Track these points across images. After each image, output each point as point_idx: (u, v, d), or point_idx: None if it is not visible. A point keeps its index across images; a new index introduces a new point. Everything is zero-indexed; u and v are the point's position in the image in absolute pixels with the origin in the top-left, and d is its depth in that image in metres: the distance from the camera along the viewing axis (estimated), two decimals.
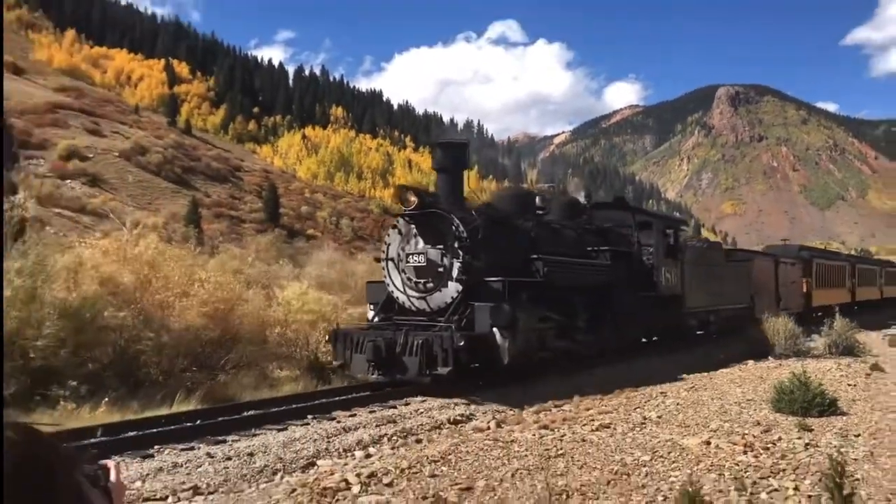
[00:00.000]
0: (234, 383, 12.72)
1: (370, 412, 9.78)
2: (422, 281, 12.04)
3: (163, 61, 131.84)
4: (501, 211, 13.51)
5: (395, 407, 10.20)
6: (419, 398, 10.84)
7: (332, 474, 6.79)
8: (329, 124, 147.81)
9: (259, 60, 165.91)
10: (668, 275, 17.43)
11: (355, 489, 6.22)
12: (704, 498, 4.89)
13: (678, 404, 10.59)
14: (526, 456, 7.28)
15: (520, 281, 12.04)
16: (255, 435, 8.43)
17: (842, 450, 7.29)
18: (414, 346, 10.96)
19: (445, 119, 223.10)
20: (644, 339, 18.19)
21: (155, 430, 8.34)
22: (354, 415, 9.59)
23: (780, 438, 8.04)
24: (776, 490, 6.02)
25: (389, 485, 6.34)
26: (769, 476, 6.43)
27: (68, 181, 62.71)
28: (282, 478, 7.06)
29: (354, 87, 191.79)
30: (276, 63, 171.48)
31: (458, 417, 9.94)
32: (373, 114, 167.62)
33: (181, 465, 7.08)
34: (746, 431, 8.45)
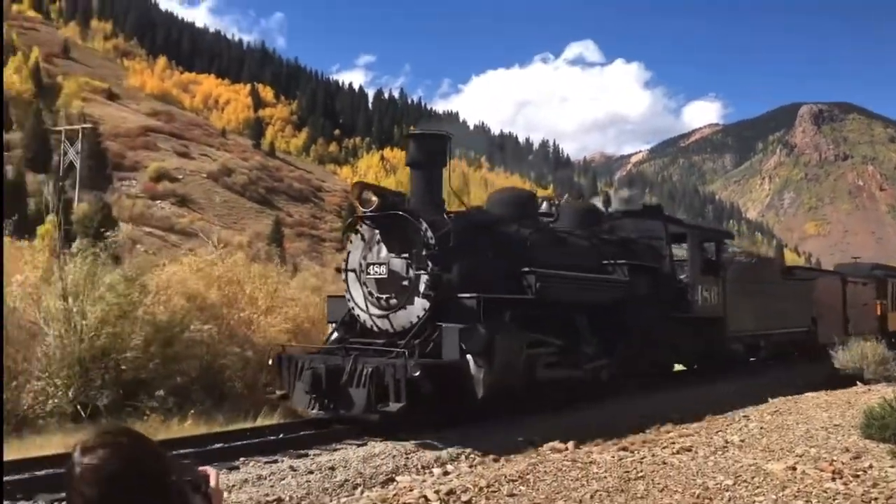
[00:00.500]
0: None
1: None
2: (384, 296, 10.06)
3: (248, 86, 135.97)
4: (488, 215, 11.67)
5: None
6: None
7: (410, 490, 6.82)
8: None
9: (340, 84, 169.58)
10: (706, 293, 15.28)
11: None
12: None
13: (762, 428, 10.27)
14: (605, 478, 7.17)
15: (501, 298, 9.97)
16: (335, 449, 8.53)
17: None
18: (362, 376, 9.04)
19: (521, 139, 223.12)
20: (681, 366, 16.46)
21: (240, 443, 8.54)
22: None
23: (870, 466, 7.71)
24: None
25: (468, 502, 6.33)
26: None
27: (158, 201, 65.12)
28: (362, 492, 7.13)
29: (431, 108, 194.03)
30: (356, 86, 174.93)
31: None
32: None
33: (265, 478, 7.22)
34: (835, 458, 8.14)
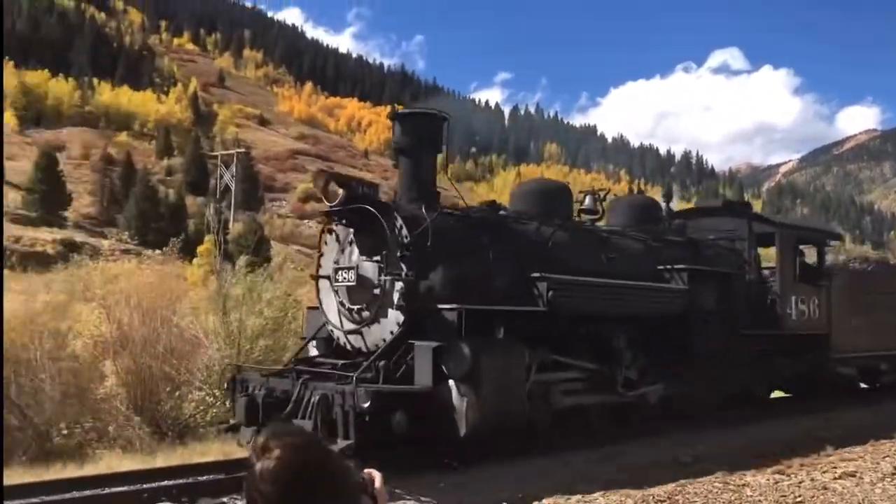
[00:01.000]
0: None
1: None
2: (356, 307, 8.27)
3: (389, 108, 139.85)
4: (492, 210, 9.60)
5: None
6: None
7: None
8: (542, 161, 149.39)
9: (476, 102, 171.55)
10: (803, 306, 12.71)
11: None
12: None
13: None
14: (760, 502, 6.84)
15: (495, 310, 8.01)
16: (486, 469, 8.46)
17: None
18: (309, 405, 7.37)
19: (662, 150, 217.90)
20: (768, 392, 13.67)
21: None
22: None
23: None
24: None
25: None
26: None
27: (306, 221, 67.89)
28: None
29: (568, 122, 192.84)
30: (492, 104, 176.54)
31: None
32: (587, 149, 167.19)
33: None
34: None
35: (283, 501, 1.41)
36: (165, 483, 7.54)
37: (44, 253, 43.11)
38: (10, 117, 78.15)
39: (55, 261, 31.01)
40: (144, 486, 7.46)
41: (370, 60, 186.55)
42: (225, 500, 7.25)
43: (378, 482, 1.58)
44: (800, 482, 7.66)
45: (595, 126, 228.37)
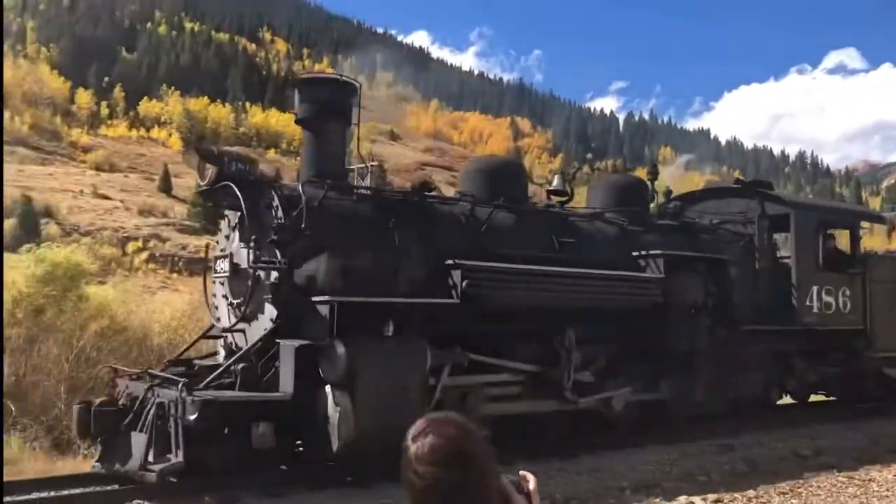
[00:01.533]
0: None
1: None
2: (236, 301, 6.89)
3: (508, 119, 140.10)
4: (407, 189, 8.19)
5: None
6: None
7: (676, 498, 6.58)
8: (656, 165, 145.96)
9: (592, 111, 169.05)
10: (829, 298, 10.52)
11: None
12: None
13: None
14: (888, 497, 6.42)
15: (377, 302, 6.52)
16: (601, 456, 8.20)
17: None
18: (148, 414, 5.98)
19: (776, 151, 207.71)
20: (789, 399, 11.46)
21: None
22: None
23: None
24: None
25: None
26: None
27: None
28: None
29: (682, 127, 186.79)
30: (607, 112, 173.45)
31: None
32: (700, 152, 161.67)
33: None
34: None
35: (438, 483, 1.42)
36: None
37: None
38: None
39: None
40: None
41: (490, 76, 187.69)
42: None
43: (532, 483, 1.54)
44: None
45: (709, 129, 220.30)
